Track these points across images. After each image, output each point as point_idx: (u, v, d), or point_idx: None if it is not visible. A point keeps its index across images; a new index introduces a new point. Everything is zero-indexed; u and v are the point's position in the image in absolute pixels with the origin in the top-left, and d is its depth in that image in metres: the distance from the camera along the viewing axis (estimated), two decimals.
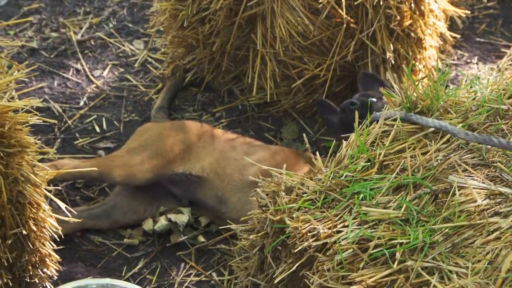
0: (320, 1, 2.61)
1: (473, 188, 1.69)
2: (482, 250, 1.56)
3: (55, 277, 2.35)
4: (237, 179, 2.59)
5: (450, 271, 1.51)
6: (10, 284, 2.19)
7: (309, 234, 1.73)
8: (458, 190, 1.70)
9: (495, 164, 1.82)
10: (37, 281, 2.30)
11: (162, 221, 2.54)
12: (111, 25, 3.61)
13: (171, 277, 2.47)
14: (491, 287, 1.45)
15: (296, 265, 1.75)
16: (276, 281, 1.85)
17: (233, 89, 3.11)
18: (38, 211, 2.14)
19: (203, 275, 2.49)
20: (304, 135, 2.32)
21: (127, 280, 2.42)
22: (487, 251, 1.54)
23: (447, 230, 1.63)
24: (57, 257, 2.30)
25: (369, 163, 1.89)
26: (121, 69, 3.36)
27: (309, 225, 1.74)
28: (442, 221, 1.67)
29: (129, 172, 2.55)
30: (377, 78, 2.65)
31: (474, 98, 2.10)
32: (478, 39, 3.50)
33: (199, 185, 2.63)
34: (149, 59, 3.39)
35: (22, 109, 1.97)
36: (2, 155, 1.94)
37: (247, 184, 2.48)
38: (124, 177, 2.55)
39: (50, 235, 2.23)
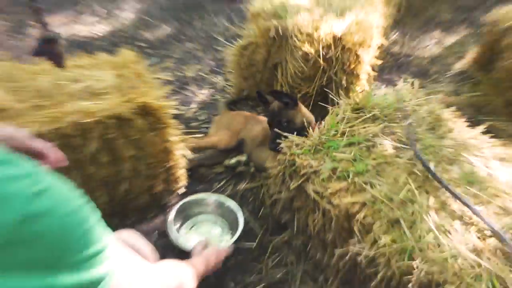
0: (309, 56, 2.67)
1: (387, 144, 1.85)
2: (390, 173, 1.70)
3: (183, 190, 2.46)
4: (255, 140, 2.60)
5: (376, 184, 1.66)
6: (165, 188, 2.37)
7: (307, 165, 1.81)
8: (379, 145, 1.84)
9: (397, 133, 1.93)
10: (175, 190, 2.44)
11: (232, 160, 2.62)
12: (208, 69, 3.55)
13: (237, 188, 2.51)
14: (395, 191, 1.63)
15: (301, 181, 1.82)
16: (291, 188, 1.89)
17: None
18: (176, 155, 2.29)
19: (254, 188, 2.53)
20: None
21: (215, 190, 2.46)
22: (393, 175, 1.70)
23: (374, 164, 1.74)
24: (185, 180, 2.44)
25: (336, 132, 1.95)
26: (212, 90, 3.31)
27: (307, 162, 1.81)
28: (371, 160, 1.77)
29: (227, 143, 2.58)
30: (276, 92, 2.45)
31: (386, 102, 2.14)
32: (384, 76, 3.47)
33: (245, 144, 2.64)
34: (226, 85, 3.33)
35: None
36: (160, 128, 2.12)
37: (260, 143, 2.57)
38: (224, 146, 2.58)
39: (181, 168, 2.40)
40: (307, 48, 2.70)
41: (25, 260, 0.56)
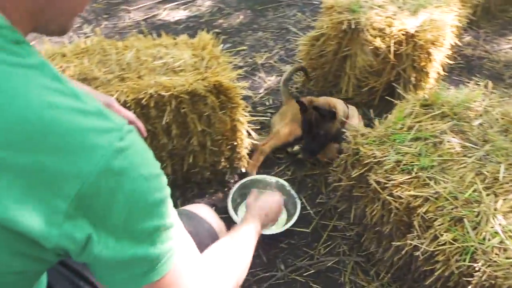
0: (380, 51, 2.64)
1: (454, 142, 1.79)
2: (456, 172, 1.65)
3: (244, 171, 2.47)
4: None
5: (440, 181, 1.62)
6: (228, 166, 2.40)
7: (371, 155, 1.78)
8: (447, 143, 1.78)
9: (466, 133, 1.86)
10: (238, 168, 2.46)
11: (295, 147, 2.56)
12: (277, 58, 3.49)
13: (296, 174, 2.49)
14: (460, 189, 1.58)
15: (363, 170, 1.80)
16: (353, 176, 1.88)
17: (333, 92, 2.95)
18: (242, 135, 2.33)
19: (314, 175, 2.50)
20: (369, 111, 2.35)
21: (275, 174, 2.44)
22: (459, 173, 1.65)
23: (440, 160, 1.70)
24: (246, 160, 2.45)
25: (403, 126, 1.91)
26: (280, 77, 3.19)
27: (371, 152, 1.79)
28: (437, 156, 1.72)
29: (296, 134, 2.52)
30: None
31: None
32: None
33: None
34: (295, 74, 3.11)
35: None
36: (230, 107, 2.17)
37: None
38: (293, 138, 2.54)
39: (245, 148, 2.42)
40: (378, 43, 2.63)
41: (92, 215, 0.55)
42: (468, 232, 1.48)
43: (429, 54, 2.66)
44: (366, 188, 1.87)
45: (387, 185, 1.72)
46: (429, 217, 1.57)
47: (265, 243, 2.14)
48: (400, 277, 1.90)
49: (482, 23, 3.85)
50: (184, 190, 2.41)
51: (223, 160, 2.36)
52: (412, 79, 2.69)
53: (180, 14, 4.12)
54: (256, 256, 2.00)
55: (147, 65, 2.23)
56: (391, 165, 1.75)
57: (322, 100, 2.46)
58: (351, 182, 1.97)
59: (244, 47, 3.63)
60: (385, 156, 1.79)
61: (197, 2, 4.33)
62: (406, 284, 1.86)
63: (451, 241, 1.47)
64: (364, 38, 2.69)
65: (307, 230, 2.23)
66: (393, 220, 1.71)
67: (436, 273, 1.49)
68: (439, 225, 1.53)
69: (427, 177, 1.68)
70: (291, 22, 3.97)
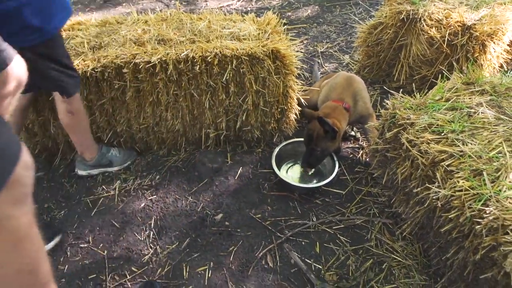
0: (434, 41, 2.74)
1: (489, 113, 1.86)
2: (486, 137, 1.73)
3: (291, 133, 2.65)
4: None
5: (468, 143, 1.71)
6: (276, 127, 2.59)
7: (405, 117, 1.92)
8: (481, 113, 1.86)
9: (503, 108, 1.91)
10: (285, 131, 2.65)
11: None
12: (337, 48, 3.70)
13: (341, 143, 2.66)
14: (486, 151, 1.65)
15: (397, 129, 1.92)
16: (387, 137, 2.01)
17: (386, 80, 3.13)
18: (293, 101, 2.54)
19: (356, 147, 2.68)
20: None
21: None
22: (488, 138, 1.73)
23: (471, 127, 1.78)
24: (295, 123, 2.66)
25: (441, 97, 2.01)
26: (337, 64, 3.44)
27: (406, 114, 1.92)
28: (469, 123, 1.81)
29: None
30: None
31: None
32: None
33: None
34: (351, 62, 3.44)
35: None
36: (284, 73, 2.36)
37: None
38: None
39: (294, 113, 2.62)
40: (433, 32, 2.74)
41: None
42: (485, 184, 1.58)
43: (484, 46, 2.73)
44: (399, 148, 2.00)
45: (416, 142, 1.86)
46: (451, 170, 1.69)
47: (301, 197, 2.34)
48: (422, 236, 2.01)
49: None
50: (235, 146, 2.67)
51: (272, 121, 2.59)
52: (464, 69, 2.75)
53: (252, 5, 4.46)
54: (292, 207, 2.23)
55: (216, 33, 2.55)
56: (423, 125, 1.88)
57: (330, 114, 2.31)
58: (386, 146, 2.12)
59: (306, 38, 3.86)
60: (419, 119, 1.93)
61: None
62: (427, 242, 1.97)
63: (468, 187, 1.58)
64: (420, 28, 2.82)
65: (342, 192, 2.39)
66: (420, 175, 1.84)
67: (451, 216, 1.61)
68: (459, 176, 1.65)
69: (455, 138, 1.78)
70: (356, 19, 4.15)
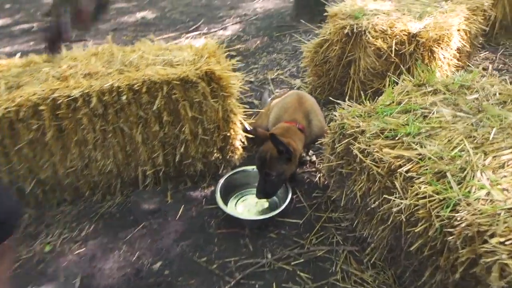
0: (382, 52, 2.59)
1: (445, 112, 1.69)
2: (444, 136, 1.53)
3: (238, 163, 2.41)
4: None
5: (426, 145, 1.50)
6: (220, 157, 2.33)
7: (354, 125, 1.71)
8: (436, 113, 1.68)
9: (459, 105, 1.74)
10: (232, 161, 2.39)
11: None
12: (288, 74, 3.55)
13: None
14: (447, 150, 1.46)
15: (347, 140, 1.70)
16: (338, 151, 1.78)
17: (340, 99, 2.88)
18: (235, 126, 2.29)
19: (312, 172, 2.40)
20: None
21: None
22: (447, 137, 1.53)
23: (428, 128, 1.60)
24: (242, 151, 2.42)
25: (392, 102, 1.84)
26: (288, 89, 3.17)
27: (355, 123, 1.72)
28: (425, 124, 1.63)
29: None
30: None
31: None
32: None
33: None
34: (302, 85, 3.26)
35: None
36: (223, 96, 2.13)
37: None
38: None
39: (240, 140, 2.36)
40: (379, 43, 2.60)
41: None
42: (451, 186, 1.32)
43: (432, 52, 2.59)
44: (353, 163, 1.75)
45: (369, 150, 1.60)
46: (411, 176, 1.43)
47: (253, 233, 2.02)
48: (394, 260, 1.71)
49: (501, 40, 3.71)
50: (177, 184, 2.36)
51: (215, 151, 2.31)
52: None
53: (201, 42, 4.30)
54: (243, 244, 1.90)
55: (148, 61, 2.31)
56: (374, 131, 1.64)
57: (284, 134, 2.04)
58: (340, 162, 1.86)
59: (256, 67, 3.70)
60: (369, 126, 1.69)
61: (219, 33, 4.53)
62: (400, 267, 1.67)
63: (432, 193, 1.32)
64: (366, 40, 2.66)
65: (300, 221, 2.09)
66: (378, 188, 1.57)
67: (418, 229, 1.32)
68: (420, 182, 1.39)
69: (412, 142, 1.55)
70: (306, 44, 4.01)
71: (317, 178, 2.37)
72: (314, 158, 2.51)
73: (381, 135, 1.63)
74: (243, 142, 2.37)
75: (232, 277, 1.80)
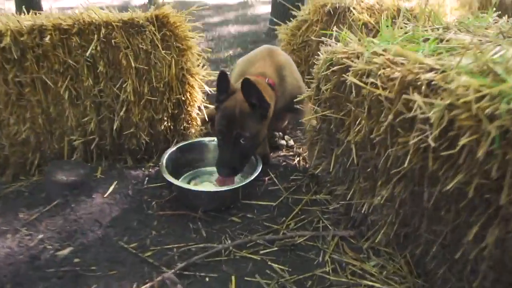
0: (370, 27, 2.24)
1: (461, 37, 1.26)
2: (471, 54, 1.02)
3: (196, 134, 1.91)
4: None
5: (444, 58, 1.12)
6: (172, 128, 1.81)
7: (347, 51, 1.29)
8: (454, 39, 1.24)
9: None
10: (186, 133, 1.87)
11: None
12: None
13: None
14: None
15: (341, 67, 1.27)
16: (326, 93, 1.36)
17: None
18: (193, 90, 1.81)
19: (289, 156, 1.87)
20: None
21: None
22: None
23: (447, 48, 1.17)
24: (199, 121, 1.91)
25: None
26: None
27: (350, 49, 1.31)
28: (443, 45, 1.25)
29: None
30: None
31: None
32: None
33: None
34: None
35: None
36: (177, 49, 1.70)
37: None
38: None
39: (198, 108, 1.87)
40: (366, 17, 2.27)
41: None
42: (503, 79, 0.84)
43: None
44: (345, 103, 1.28)
45: (371, 70, 1.14)
46: (437, 86, 0.95)
47: (208, 216, 1.47)
48: (408, 238, 1.19)
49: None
50: (114, 161, 1.80)
51: (165, 118, 1.78)
52: None
53: None
54: (193, 229, 1.36)
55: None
56: (376, 50, 1.18)
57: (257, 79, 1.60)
58: (327, 112, 1.38)
59: (228, 69, 3.28)
60: (369, 49, 1.24)
61: None
62: (419, 246, 1.15)
63: (476, 90, 0.83)
64: (350, 17, 2.33)
65: (273, 203, 1.56)
66: (385, 127, 1.08)
67: (463, 141, 0.82)
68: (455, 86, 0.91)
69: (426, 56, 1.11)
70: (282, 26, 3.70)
71: (295, 162, 1.87)
72: (291, 142, 2.02)
73: (378, 55, 1.18)
74: (201, 113, 1.85)
75: (171, 267, 1.21)
